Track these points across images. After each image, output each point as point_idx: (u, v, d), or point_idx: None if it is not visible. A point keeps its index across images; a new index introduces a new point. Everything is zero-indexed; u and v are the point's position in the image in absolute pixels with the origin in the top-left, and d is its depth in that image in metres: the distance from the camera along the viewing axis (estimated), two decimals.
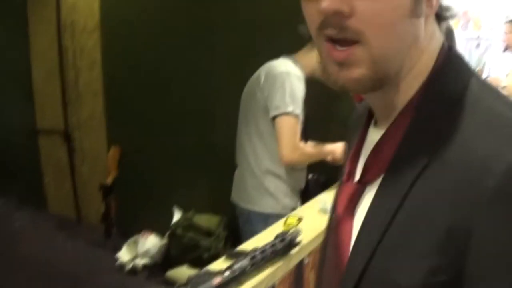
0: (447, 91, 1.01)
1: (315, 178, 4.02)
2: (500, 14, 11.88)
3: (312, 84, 3.47)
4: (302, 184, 3.67)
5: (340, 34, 0.97)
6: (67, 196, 6.56)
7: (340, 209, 1.14)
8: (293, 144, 3.29)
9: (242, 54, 4.57)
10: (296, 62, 3.43)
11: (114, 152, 5.72)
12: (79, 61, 6.15)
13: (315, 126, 3.72)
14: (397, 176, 1.00)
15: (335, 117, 3.97)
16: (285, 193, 3.50)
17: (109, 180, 5.73)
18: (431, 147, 0.96)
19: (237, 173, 3.68)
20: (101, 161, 6.06)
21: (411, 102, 1.04)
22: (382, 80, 1.01)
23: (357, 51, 0.97)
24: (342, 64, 1.00)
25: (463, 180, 0.88)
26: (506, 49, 6.55)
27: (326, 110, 4.07)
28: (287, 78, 3.31)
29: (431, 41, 1.05)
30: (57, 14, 6.19)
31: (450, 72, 1.04)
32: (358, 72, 0.99)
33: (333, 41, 0.99)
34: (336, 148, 3.42)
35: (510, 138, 0.88)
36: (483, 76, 11.30)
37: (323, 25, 0.98)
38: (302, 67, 3.41)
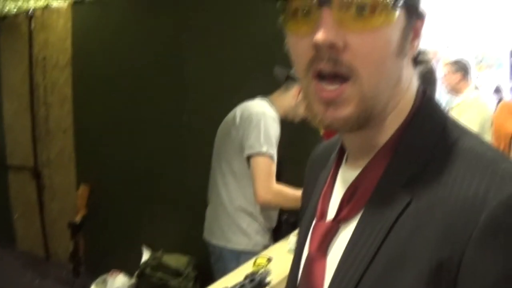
0: (426, 132, 1.04)
1: (286, 218, 4.03)
2: (470, 54, 12.10)
3: (285, 125, 3.49)
4: (274, 223, 3.68)
5: (334, 68, 0.97)
6: (36, 233, 6.48)
7: (313, 248, 1.13)
8: (268, 185, 3.30)
9: (215, 95, 4.57)
10: (271, 103, 3.47)
11: (83, 190, 5.67)
12: (50, 97, 6.13)
13: (287, 167, 3.71)
14: (377, 213, 1.01)
15: (306, 159, 3.96)
16: (257, 231, 3.51)
17: (78, 218, 5.67)
18: (413, 185, 0.98)
19: (209, 211, 3.68)
20: (70, 199, 5.99)
21: (390, 141, 1.06)
22: (368, 119, 1.02)
23: (346, 89, 0.98)
24: (330, 103, 1.00)
25: (453, 217, 0.90)
26: (449, 90, 6.70)
27: (298, 152, 4.08)
28: (262, 118, 3.34)
29: (411, 82, 1.09)
30: (29, 50, 6.19)
31: (428, 113, 1.07)
32: (346, 111, 1.00)
33: (321, 78, 0.99)
34: None
35: (497, 177, 0.91)
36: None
37: (314, 59, 0.98)
38: (277, 109, 3.46)
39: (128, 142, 5.30)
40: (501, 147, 7.36)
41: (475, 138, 1.03)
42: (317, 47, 0.96)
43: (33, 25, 6.16)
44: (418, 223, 0.94)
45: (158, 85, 5.00)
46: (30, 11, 6.15)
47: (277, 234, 3.70)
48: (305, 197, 1.37)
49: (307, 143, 3.96)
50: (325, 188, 1.20)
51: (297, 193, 3.44)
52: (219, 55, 4.59)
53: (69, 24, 5.80)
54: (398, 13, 0.97)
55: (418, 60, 1.14)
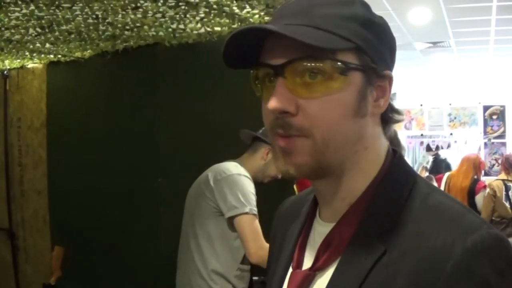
0: (399, 187, 1.13)
1: (261, 280, 4.01)
2: (442, 113, 12.24)
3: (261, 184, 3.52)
4: (247, 284, 3.65)
5: (287, 132, 1.09)
6: None
7: None
8: (259, 242, 3.28)
9: (189, 158, 4.58)
10: (241, 165, 3.48)
11: (58, 251, 5.61)
12: (25, 159, 6.10)
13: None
14: (353, 262, 1.09)
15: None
16: None
17: (52, 280, 5.59)
18: (387, 237, 1.06)
19: (180, 275, 3.63)
20: (45, 261, 5.93)
21: (362, 197, 1.15)
22: (324, 170, 1.12)
23: (299, 141, 1.09)
24: (287, 152, 1.11)
25: (423, 265, 0.99)
26: None
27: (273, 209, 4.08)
28: (238, 179, 3.35)
29: (377, 140, 1.19)
30: (4, 111, 6.17)
31: (399, 171, 1.17)
32: (300, 159, 1.10)
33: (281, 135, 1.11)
34: None
35: (461, 228, 1.01)
36: (427, 172, 11.66)
37: (273, 124, 1.11)
38: (247, 170, 3.46)
39: (102, 204, 5.27)
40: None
41: (443, 194, 1.15)
42: (272, 112, 1.09)
43: (8, 85, 6.16)
44: (392, 271, 1.02)
45: (133, 148, 5.01)
46: (5, 71, 6.16)
47: None
48: (274, 249, 1.44)
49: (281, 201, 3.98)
50: (300, 239, 1.27)
51: None
52: (193, 117, 4.63)
53: (44, 85, 5.82)
54: (351, 77, 1.08)
55: (390, 118, 1.23)
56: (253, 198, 3.36)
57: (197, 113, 4.63)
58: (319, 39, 1.04)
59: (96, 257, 5.37)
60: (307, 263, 1.21)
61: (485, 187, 7.62)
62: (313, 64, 1.07)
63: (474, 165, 7.72)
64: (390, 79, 1.17)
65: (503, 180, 7.45)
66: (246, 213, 3.28)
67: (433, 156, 12.99)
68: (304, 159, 1.10)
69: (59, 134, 5.68)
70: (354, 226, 1.13)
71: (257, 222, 3.33)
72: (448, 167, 11.87)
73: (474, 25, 8.49)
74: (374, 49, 1.12)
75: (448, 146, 13.25)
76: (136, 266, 5.05)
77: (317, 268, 1.17)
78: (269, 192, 3.83)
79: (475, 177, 7.71)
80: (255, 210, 3.33)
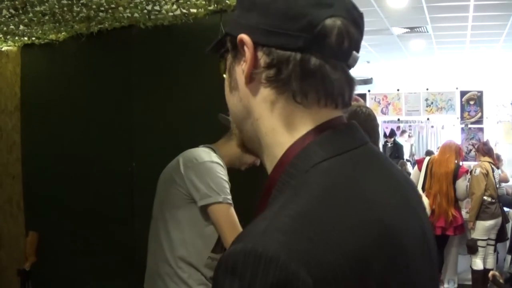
0: (296, 168, 1.12)
1: None
2: (419, 98, 12.28)
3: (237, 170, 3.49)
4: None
5: None
6: None
7: None
8: (236, 232, 3.21)
9: (164, 144, 4.54)
10: (216, 151, 3.42)
11: (32, 237, 5.57)
12: None
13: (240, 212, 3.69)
14: None
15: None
16: (199, 282, 3.41)
17: (27, 266, 5.55)
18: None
19: (150, 261, 3.59)
20: (19, 246, 5.88)
21: (271, 177, 1.20)
22: (245, 143, 1.29)
23: None
24: None
25: None
26: None
27: (251, 196, 4.06)
28: (210, 167, 3.27)
29: (271, 109, 1.17)
30: None
31: (306, 152, 1.13)
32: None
33: None
34: None
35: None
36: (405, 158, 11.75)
37: None
38: (222, 156, 3.40)
39: (77, 189, 5.25)
40: (444, 186, 7.54)
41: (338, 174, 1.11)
42: None
43: None
44: None
45: (107, 132, 4.98)
46: None
47: None
48: None
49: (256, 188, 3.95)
50: None
51: None
52: (168, 101, 4.61)
53: (18, 69, 5.75)
54: (226, 59, 1.25)
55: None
56: (226, 185, 3.28)
57: (173, 97, 4.60)
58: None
59: (70, 242, 5.33)
60: None
61: (466, 172, 7.92)
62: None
63: (456, 152, 7.84)
64: (248, 43, 1.14)
65: (489, 162, 7.89)
66: (220, 202, 3.22)
67: (391, 143, 13.18)
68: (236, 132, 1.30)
69: (33, 118, 5.64)
70: (266, 200, 1.18)
71: (232, 210, 3.26)
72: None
73: (451, 11, 8.52)
74: (237, 26, 1.19)
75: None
76: (110, 251, 5.03)
77: None
78: (243, 180, 3.81)
79: (457, 162, 7.84)
80: (228, 198, 3.26)
